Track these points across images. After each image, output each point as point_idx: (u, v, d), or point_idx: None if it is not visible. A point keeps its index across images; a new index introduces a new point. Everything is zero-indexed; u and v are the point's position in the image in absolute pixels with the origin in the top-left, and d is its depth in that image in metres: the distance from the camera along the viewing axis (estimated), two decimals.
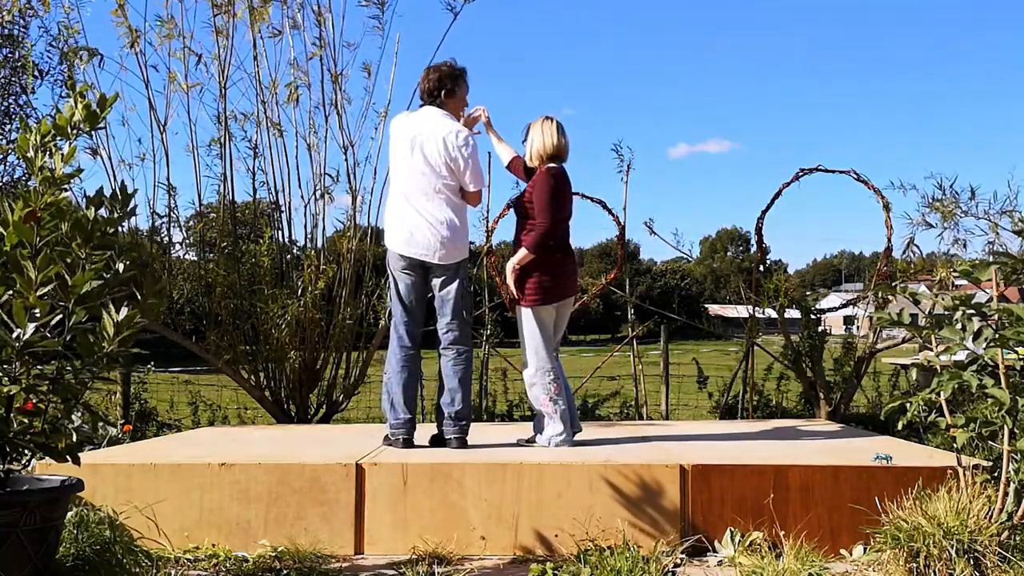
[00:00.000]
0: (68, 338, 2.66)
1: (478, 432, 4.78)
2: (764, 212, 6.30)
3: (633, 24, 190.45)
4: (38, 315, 2.57)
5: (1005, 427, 3.03)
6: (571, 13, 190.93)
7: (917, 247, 5.67)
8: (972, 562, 2.87)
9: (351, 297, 6.04)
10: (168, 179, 5.99)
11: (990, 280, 3.24)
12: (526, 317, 4.21)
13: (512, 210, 4.56)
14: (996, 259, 3.27)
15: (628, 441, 4.36)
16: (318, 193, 6.08)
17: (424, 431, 4.45)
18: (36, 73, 6.06)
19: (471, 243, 4.56)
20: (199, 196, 6.04)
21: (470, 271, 5.64)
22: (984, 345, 3.07)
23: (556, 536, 3.52)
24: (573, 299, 4.43)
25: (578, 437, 4.26)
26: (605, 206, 6.64)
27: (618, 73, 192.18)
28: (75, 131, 2.80)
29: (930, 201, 4.77)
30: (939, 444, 4.67)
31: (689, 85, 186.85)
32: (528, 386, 4.26)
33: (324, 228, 6.18)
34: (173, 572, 3.26)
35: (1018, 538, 2.99)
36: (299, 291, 5.86)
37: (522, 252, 4.14)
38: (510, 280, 4.20)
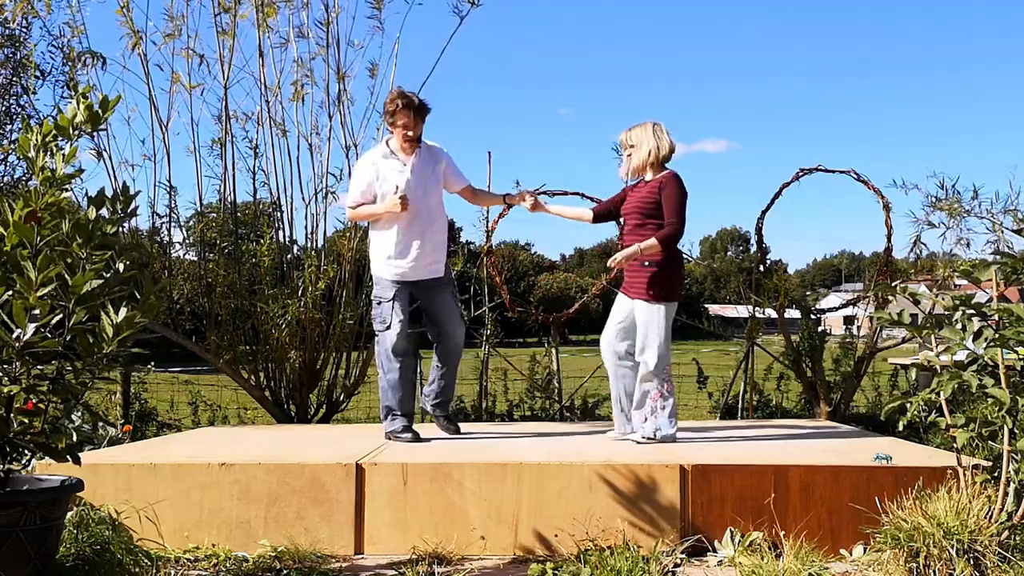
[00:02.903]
0: (68, 338, 2.67)
1: (478, 432, 4.79)
2: (764, 212, 6.30)
3: (629, 24, 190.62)
4: (38, 315, 2.57)
5: (1005, 427, 3.03)
6: (568, 13, 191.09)
7: (924, 245, 5.65)
8: (972, 562, 2.87)
9: (351, 297, 6.04)
10: (169, 179, 6.00)
11: (990, 280, 3.24)
12: (659, 312, 4.20)
13: (604, 213, 4.68)
14: (996, 259, 3.27)
15: (628, 441, 4.36)
16: (320, 193, 6.09)
17: (416, 428, 4.48)
18: (38, 74, 6.06)
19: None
20: (200, 196, 6.04)
21: (470, 271, 6.49)
22: (984, 345, 3.08)
23: (556, 536, 3.52)
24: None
25: (578, 436, 4.28)
26: None
27: (614, 73, 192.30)
28: (77, 132, 2.80)
29: (934, 200, 4.77)
30: (939, 444, 4.67)
31: (683, 84, 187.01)
32: (640, 381, 4.26)
33: (325, 228, 6.20)
34: (173, 572, 3.26)
35: (1018, 538, 2.99)
36: (299, 291, 5.86)
37: (652, 241, 4.16)
38: (623, 261, 4.21)
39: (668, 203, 4.19)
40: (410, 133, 4.39)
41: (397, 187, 4.38)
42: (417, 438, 4.35)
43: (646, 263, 4.21)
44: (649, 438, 4.18)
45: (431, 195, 4.47)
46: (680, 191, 4.23)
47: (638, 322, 4.27)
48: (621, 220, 4.63)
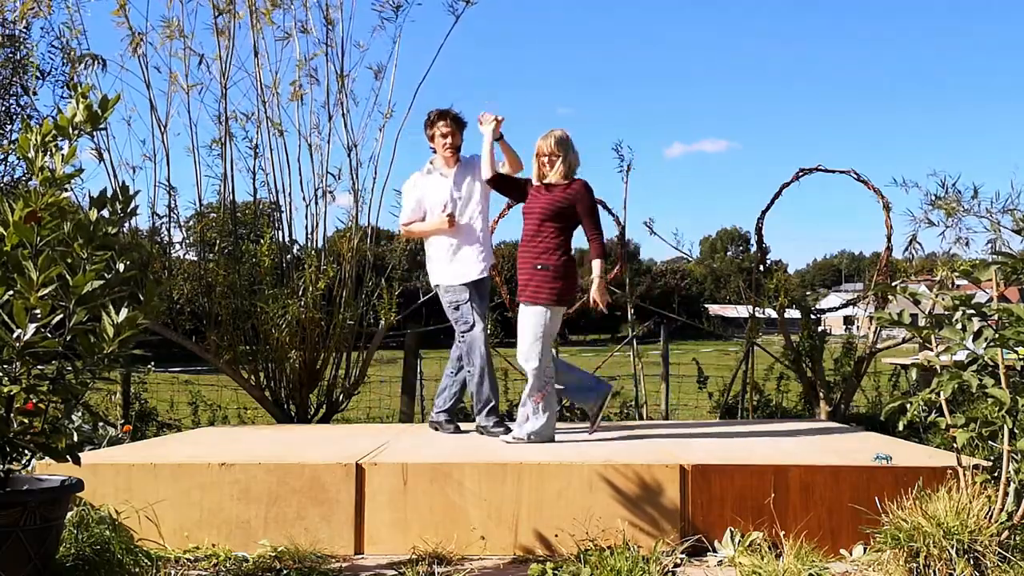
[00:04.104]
0: (68, 338, 2.67)
1: (477, 431, 4.79)
2: (764, 212, 6.31)
3: (629, 24, 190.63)
4: (39, 315, 2.57)
5: (1005, 427, 3.03)
6: (566, 13, 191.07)
7: (919, 244, 5.65)
8: (972, 562, 2.87)
9: (351, 297, 6.05)
10: (168, 179, 6.00)
11: (990, 280, 3.24)
12: (534, 313, 4.26)
13: (514, 209, 4.77)
14: (996, 259, 3.27)
15: (628, 441, 4.36)
16: (319, 193, 6.09)
17: (417, 429, 4.48)
18: (38, 74, 6.06)
19: None
20: (199, 196, 6.04)
21: None
22: (984, 345, 3.08)
23: (556, 536, 3.52)
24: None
25: (578, 437, 4.29)
26: (605, 206, 6.64)
27: (612, 73, 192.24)
28: (76, 131, 2.80)
29: (933, 199, 4.77)
30: (939, 444, 4.67)
31: (681, 84, 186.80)
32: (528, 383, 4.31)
33: (325, 228, 6.20)
34: (173, 572, 3.26)
35: (1018, 538, 3.00)
36: (299, 291, 5.86)
37: (598, 264, 4.35)
38: (601, 295, 4.35)
39: (590, 215, 4.34)
40: (449, 141, 4.67)
41: (445, 205, 4.68)
42: (507, 430, 4.46)
43: (539, 266, 4.29)
44: (519, 438, 4.24)
45: (475, 203, 4.73)
46: (595, 201, 4.44)
47: (519, 325, 4.37)
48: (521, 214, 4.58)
